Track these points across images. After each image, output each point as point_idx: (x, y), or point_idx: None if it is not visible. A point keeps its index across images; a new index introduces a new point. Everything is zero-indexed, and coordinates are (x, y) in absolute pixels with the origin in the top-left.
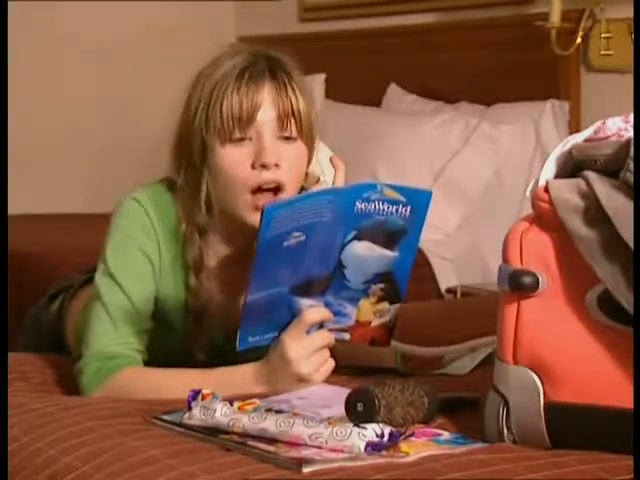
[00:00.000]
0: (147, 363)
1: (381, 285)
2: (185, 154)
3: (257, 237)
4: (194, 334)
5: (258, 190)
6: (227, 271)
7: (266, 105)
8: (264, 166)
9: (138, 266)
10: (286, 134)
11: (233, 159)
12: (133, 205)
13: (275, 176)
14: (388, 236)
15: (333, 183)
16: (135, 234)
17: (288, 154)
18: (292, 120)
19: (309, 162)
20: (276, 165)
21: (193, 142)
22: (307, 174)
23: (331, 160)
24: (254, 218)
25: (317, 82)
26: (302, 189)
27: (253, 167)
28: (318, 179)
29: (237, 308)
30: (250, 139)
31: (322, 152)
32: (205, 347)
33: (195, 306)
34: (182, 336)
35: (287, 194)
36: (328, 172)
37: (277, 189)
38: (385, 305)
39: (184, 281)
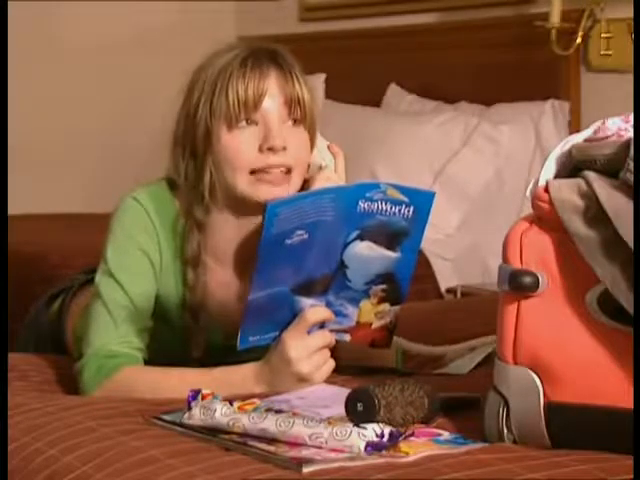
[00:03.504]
0: (147, 362)
1: (382, 286)
2: (188, 144)
3: (260, 234)
4: (191, 330)
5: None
6: (227, 268)
7: (272, 91)
8: (271, 149)
9: (138, 265)
10: (291, 120)
11: (239, 143)
12: (133, 204)
13: (283, 159)
14: (390, 236)
15: (335, 169)
16: (135, 233)
17: (294, 138)
18: (297, 107)
19: (311, 152)
20: (284, 148)
21: (196, 132)
22: (308, 164)
23: (329, 147)
24: (256, 192)
25: (317, 82)
26: (305, 181)
27: (260, 150)
28: (320, 167)
29: (237, 307)
30: (256, 124)
31: (319, 141)
32: (201, 344)
33: (192, 301)
34: (182, 335)
35: (296, 177)
36: (328, 159)
37: (287, 172)
38: (386, 306)
39: (183, 278)
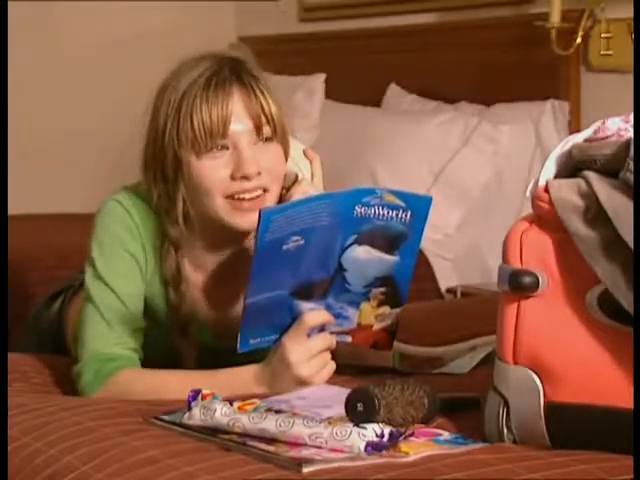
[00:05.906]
0: (141, 361)
1: (382, 289)
2: (158, 169)
3: (255, 240)
4: (179, 346)
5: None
6: (214, 278)
7: (238, 113)
8: (245, 177)
9: (125, 266)
10: (261, 139)
11: (211, 171)
12: (116, 206)
13: (258, 183)
14: (388, 241)
15: (312, 175)
16: (119, 234)
17: (267, 159)
18: (267, 125)
19: (286, 162)
20: (258, 174)
21: (165, 157)
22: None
23: (304, 153)
24: (234, 219)
25: (317, 82)
26: (282, 189)
27: (233, 178)
28: (296, 177)
29: (227, 313)
30: (227, 149)
31: (294, 146)
32: (192, 357)
33: (177, 320)
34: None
35: (272, 196)
36: (304, 166)
37: (264, 190)
38: (386, 309)
39: (166, 297)
